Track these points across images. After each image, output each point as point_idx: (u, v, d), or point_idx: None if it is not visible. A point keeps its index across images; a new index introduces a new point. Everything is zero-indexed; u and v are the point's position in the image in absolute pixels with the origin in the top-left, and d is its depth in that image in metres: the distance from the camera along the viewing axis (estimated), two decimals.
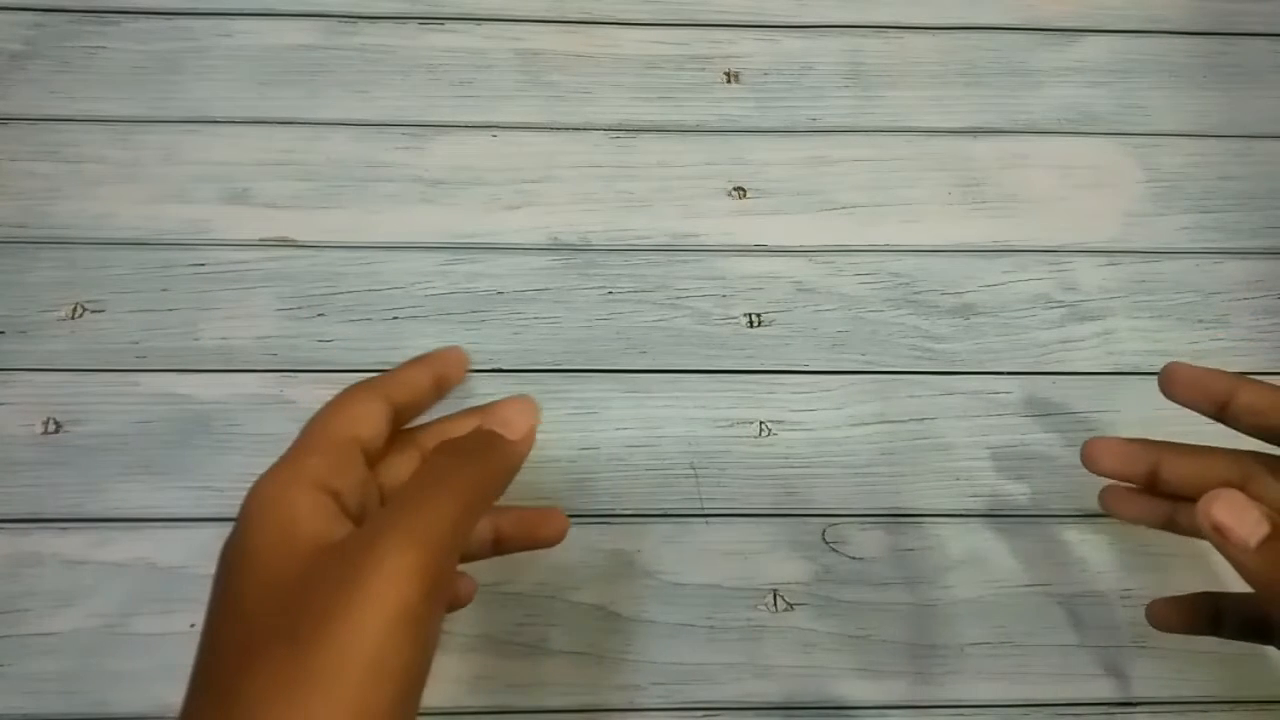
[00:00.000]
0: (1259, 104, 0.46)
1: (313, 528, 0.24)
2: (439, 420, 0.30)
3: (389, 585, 0.22)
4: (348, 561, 0.22)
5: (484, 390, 0.39)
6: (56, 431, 0.38)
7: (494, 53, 0.46)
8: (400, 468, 0.28)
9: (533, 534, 0.30)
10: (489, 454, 0.27)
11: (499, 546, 0.30)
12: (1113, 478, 0.32)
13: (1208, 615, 0.32)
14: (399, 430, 0.29)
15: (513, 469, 0.27)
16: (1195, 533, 0.31)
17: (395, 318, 0.40)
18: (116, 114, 0.44)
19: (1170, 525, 0.32)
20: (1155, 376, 0.40)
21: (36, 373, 0.39)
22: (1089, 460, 0.32)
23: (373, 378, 0.28)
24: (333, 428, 0.26)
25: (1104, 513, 0.33)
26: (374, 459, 0.27)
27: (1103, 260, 0.43)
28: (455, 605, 0.30)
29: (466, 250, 0.42)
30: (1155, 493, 0.32)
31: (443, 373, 0.30)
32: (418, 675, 0.23)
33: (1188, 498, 0.30)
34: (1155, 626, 0.33)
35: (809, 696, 0.35)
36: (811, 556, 0.37)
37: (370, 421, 0.27)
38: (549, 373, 0.40)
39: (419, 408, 0.30)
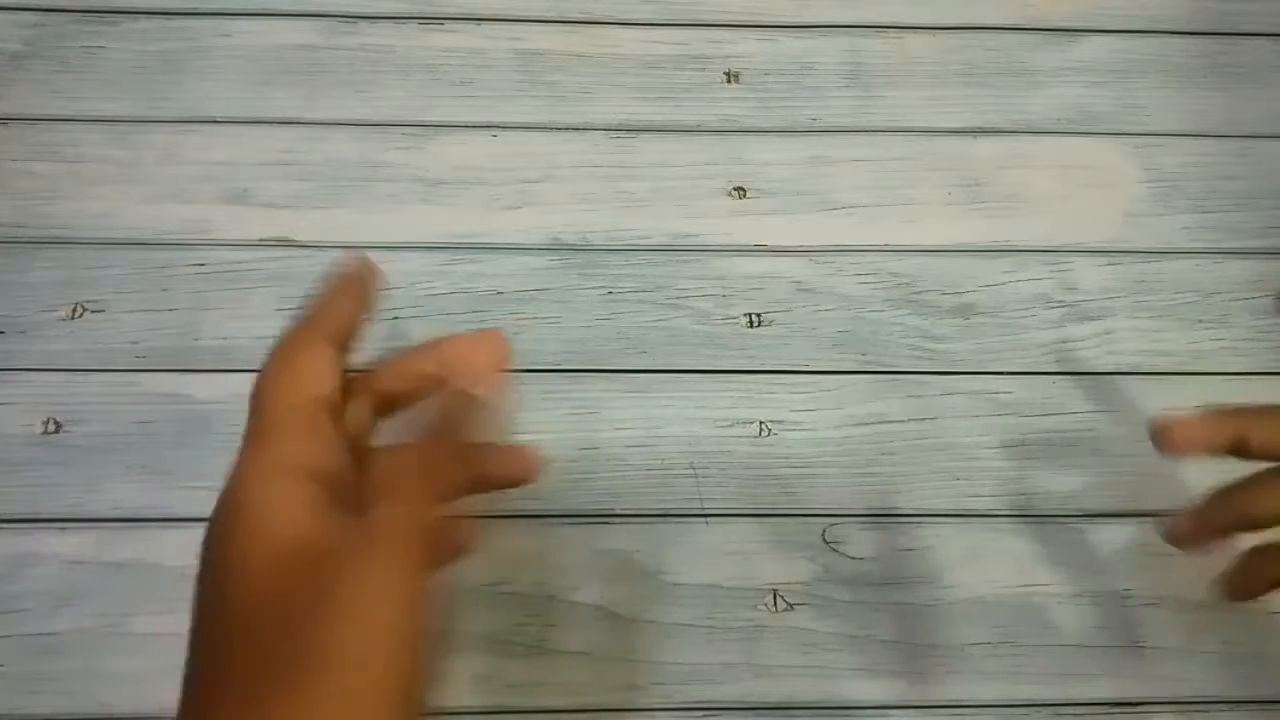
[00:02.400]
0: (1259, 104, 0.46)
1: (305, 529, 0.22)
2: (390, 362, 0.28)
3: (392, 612, 0.21)
4: (345, 585, 0.21)
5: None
6: (56, 431, 0.38)
7: (494, 53, 0.46)
8: (358, 414, 0.26)
9: (508, 473, 0.28)
10: (465, 423, 0.24)
11: (474, 487, 0.28)
12: (1198, 455, 0.29)
13: None
14: (350, 373, 0.27)
15: (490, 424, 0.25)
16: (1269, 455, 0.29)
17: (395, 318, 0.40)
18: (116, 114, 0.44)
19: (1240, 446, 0.29)
20: (1155, 376, 0.41)
21: (36, 373, 0.39)
22: (1171, 444, 0.29)
23: (304, 320, 0.26)
24: (293, 395, 0.24)
25: (1159, 445, 0.30)
26: (337, 412, 0.25)
27: (1103, 260, 0.43)
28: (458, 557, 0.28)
29: (466, 250, 0.42)
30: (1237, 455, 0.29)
31: (363, 291, 0.27)
32: (422, 676, 0.22)
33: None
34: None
35: (809, 696, 0.35)
36: (811, 556, 0.37)
37: (326, 375, 0.25)
38: (549, 373, 0.40)
39: (357, 336, 0.27)
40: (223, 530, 0.22)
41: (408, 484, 0.23)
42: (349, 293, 0.27)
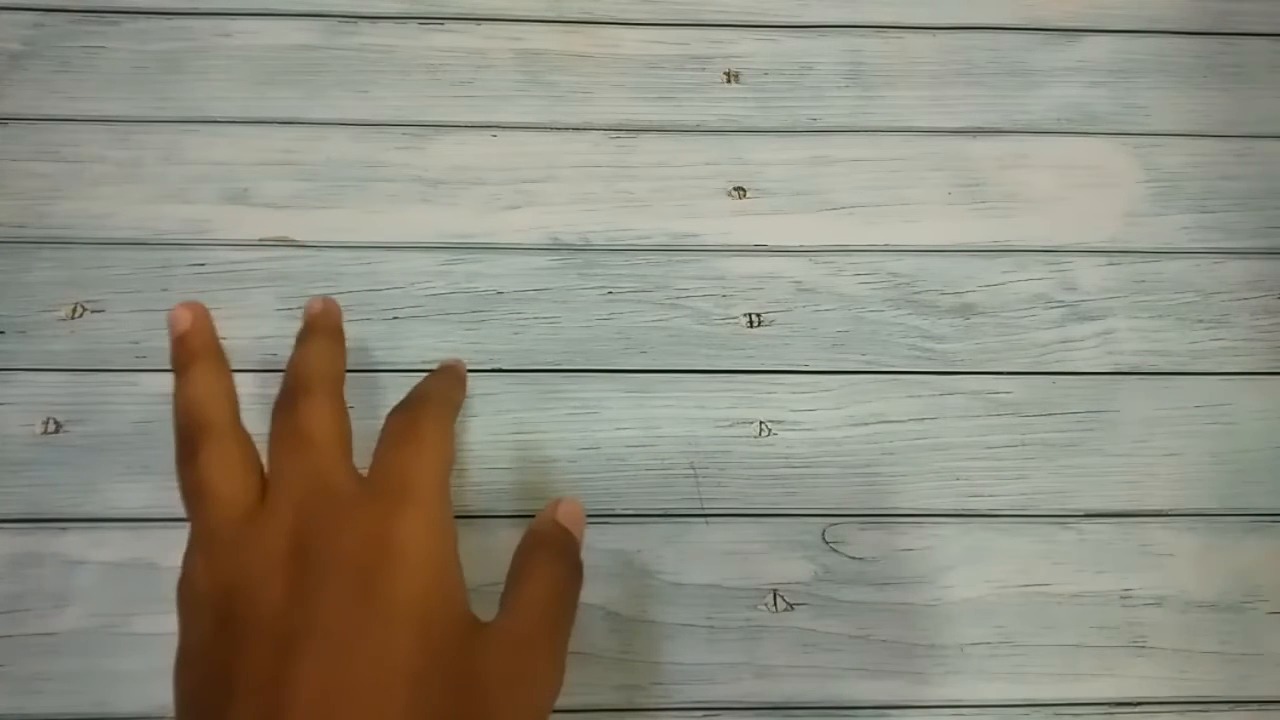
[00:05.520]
0: (1259, 104, 0.46)
1: (463, 596, 0.24)
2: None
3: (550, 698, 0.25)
4: (498, 681, 0.23)
5: (483, 390, 0.39)
6: (56, 431, 0.38)
7: (494, 53, 0.46)
8: None
9: None
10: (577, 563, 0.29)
11: None
12: None
13: None
14: None
15: None
16: None
17: (395, 318, 0.40)
18: (116, 114, 0.44)
19: None
20: (1155, 376, 0.41)
21: (36, 373, 0.39)
22: None
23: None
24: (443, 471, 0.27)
25: None
26: None
27: (1103, 260, 0.43)
28: None
29: (466, 250, 0.42)
30: None
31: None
32: None
33: None
34: None
35: (809, 696, 0.35)
36: (811, 556, 0.37)
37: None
38: (549, 373, 0.40)
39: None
40: (414, 572, 0.23)
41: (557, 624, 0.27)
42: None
